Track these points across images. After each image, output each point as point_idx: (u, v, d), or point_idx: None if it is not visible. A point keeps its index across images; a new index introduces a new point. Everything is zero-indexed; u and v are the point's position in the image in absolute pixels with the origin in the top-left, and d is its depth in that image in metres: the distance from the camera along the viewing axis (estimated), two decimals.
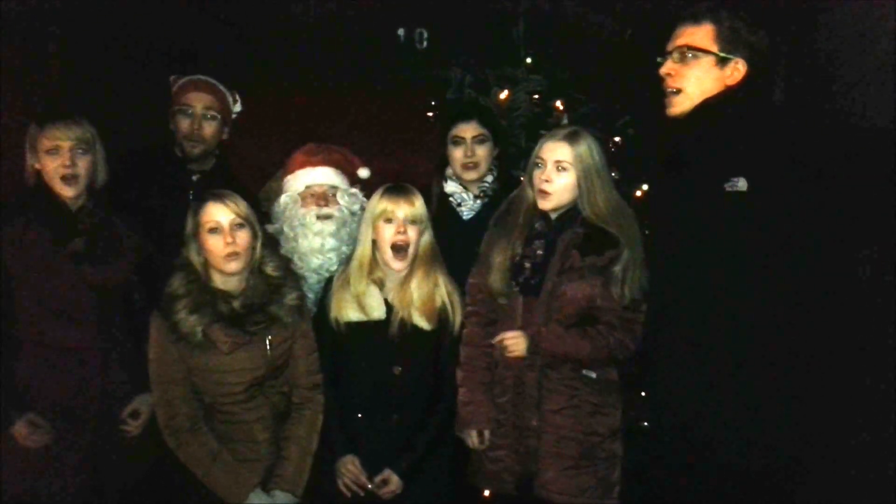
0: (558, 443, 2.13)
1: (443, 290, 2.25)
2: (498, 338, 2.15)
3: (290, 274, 2.20)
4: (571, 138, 2.15)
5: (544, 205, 2.16)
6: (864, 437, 1.85)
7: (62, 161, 2.15)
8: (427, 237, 2.24)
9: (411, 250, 2.19)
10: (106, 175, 2.28)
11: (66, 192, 2.18)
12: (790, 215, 1.69)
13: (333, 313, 2.22)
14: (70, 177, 2.17)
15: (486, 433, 2.22)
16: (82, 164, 2.19)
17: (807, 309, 1.69)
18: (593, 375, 2.16)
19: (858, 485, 1.86)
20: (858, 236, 1.75)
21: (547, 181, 2.13)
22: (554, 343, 2.11)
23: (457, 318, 2.26)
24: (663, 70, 1.90)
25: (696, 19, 1.85)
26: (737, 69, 1.82)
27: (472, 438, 2.23)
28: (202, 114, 2.57)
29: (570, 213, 2.18)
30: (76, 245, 2.19)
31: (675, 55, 1.87)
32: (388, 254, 2.19)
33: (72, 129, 2.17)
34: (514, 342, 2.12)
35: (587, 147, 2.14)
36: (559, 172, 2.13)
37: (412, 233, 2.18)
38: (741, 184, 1.73)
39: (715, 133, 1.81)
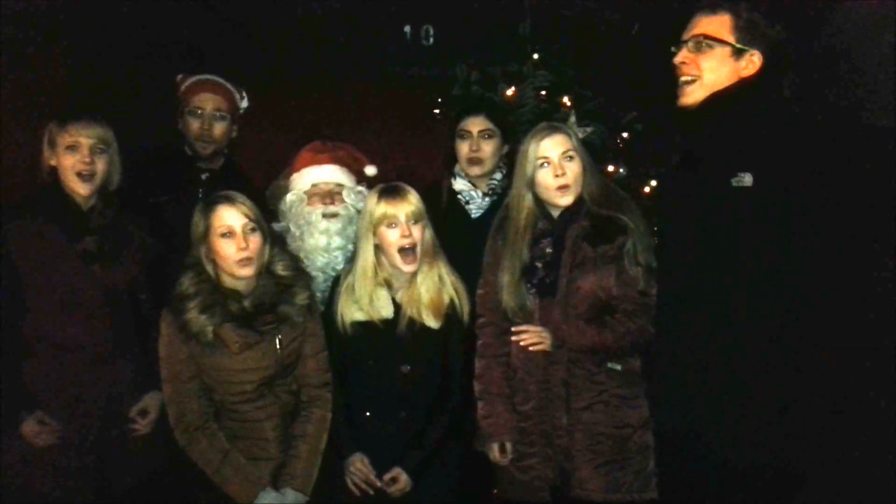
0: (590, 439, 2.10)
1: (449, 287, 2.24)
2: (520, 333, 2.11)
3: (300, 273, 2.20)
4: (562, 129, 2.18)
5: (566, 200, 2.13)
6: (869, 440, 1.83)
7: (81, 158, 2.17)
8: (428, 232, 2.23)
9: (419, 249, 2.18)
10: (120, 178, 2.29)
11: (81, 189, 2.19)
12: (794, 212, 1.67)
13: (341, 313, 2.22)
14: (87, 174, 2.18)
15: (509, 446, 2.20)
16: (100, 163, 2.20)
17: (811, 307, 1.67)
18: (618, 368, 2.13)
19: (863, 488, 1.84)
20: (863, 234, 1.73)
21: (563, 174, 2.11)
22: (577, 337, 2.09)
23: (465, 313, 2.26)
24: (678, 59, 1.86)
25: (713, 9, 1.82)
26: (752, 62, 1.79)
27: (495, 452, 2.20)
28: (212, 115, 2.59)
29: (573, 207, 2.16)
30: (86, 244, 2.20)
31: (691, 44, 1.83)
32: (396, 258, 2.17)
33: (93, 128, 2.19)
34: (539, 336, 2.10)
35: (575, 134, 2.18)
36: (569, 163, 2.13)
37: (417, 232, 2.17)
38: (747, 179, 1.70)
39: (724, 127, 1.79)
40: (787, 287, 1.68)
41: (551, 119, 3.11)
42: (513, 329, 2.14)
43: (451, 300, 2.24)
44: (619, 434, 2.11)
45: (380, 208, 2.16)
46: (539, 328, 2.11)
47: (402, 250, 2.16)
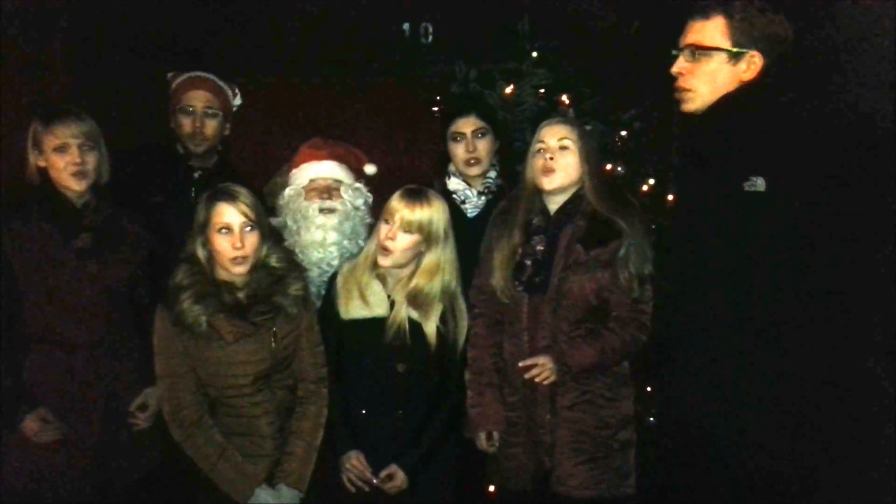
0: (572, 437, 2.13)
1: (448, 288, 2.22)
2: (526, 372, 2.12)
3: (293, 265, 2.20)
4: (570, 121, 2.23)
5: (549, 184, 2.15)
6: (876, 439, 1.82)
7: (72, 158, 2.17)
8: (434, 254, 2.17)
9: (397, 256, 2.16)
10: (109, 171, 2.29)
11: (78, 186, 2.19)
12: (809, 216, 1.65)
13: (339, 308, 2.21)
14: (80, 172, 2.18)
15: (496, 435, 2.22)
16: (91, 160, 2.20)
17: (821, 310, 1.66)
18: None
19: (868, 486, 1.83)
20: (875, 238, 1.72)
21: (551, 159, 2.14)
22: (577, 358, 2.09)
23: (463, 314, 2.25)
24: (675, 69, 1.83)
25: (705, 13, 1.77)
26: (752, 63, 1.74)
27: (482, 441, 2.23)
28: (203, 112, 2.57)
29: (570, 205, 2.18)
30: (82, 241, 2.20)
31: (686, 53, 1.80)
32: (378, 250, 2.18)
33: (79, 126, 2.19)
34: (544, 372, 2.10)
35: (585, 130, 2.21)
36: (562, 151, 2.15)
37: (402, 240, 2.14)
38: (760, 183, 1.68)
39: (734, 131, 1.75)
40: (801, 290, 1.66)
41: (550, 118, 3.12)
42: (520, 364, 2.14)
43: (450, 300, 2.23)
44: (601, 433, 2.13)
45: (390, 202, 2.18)
46: (544, 359, 2.11)
47: (380, 246, 2.16)
